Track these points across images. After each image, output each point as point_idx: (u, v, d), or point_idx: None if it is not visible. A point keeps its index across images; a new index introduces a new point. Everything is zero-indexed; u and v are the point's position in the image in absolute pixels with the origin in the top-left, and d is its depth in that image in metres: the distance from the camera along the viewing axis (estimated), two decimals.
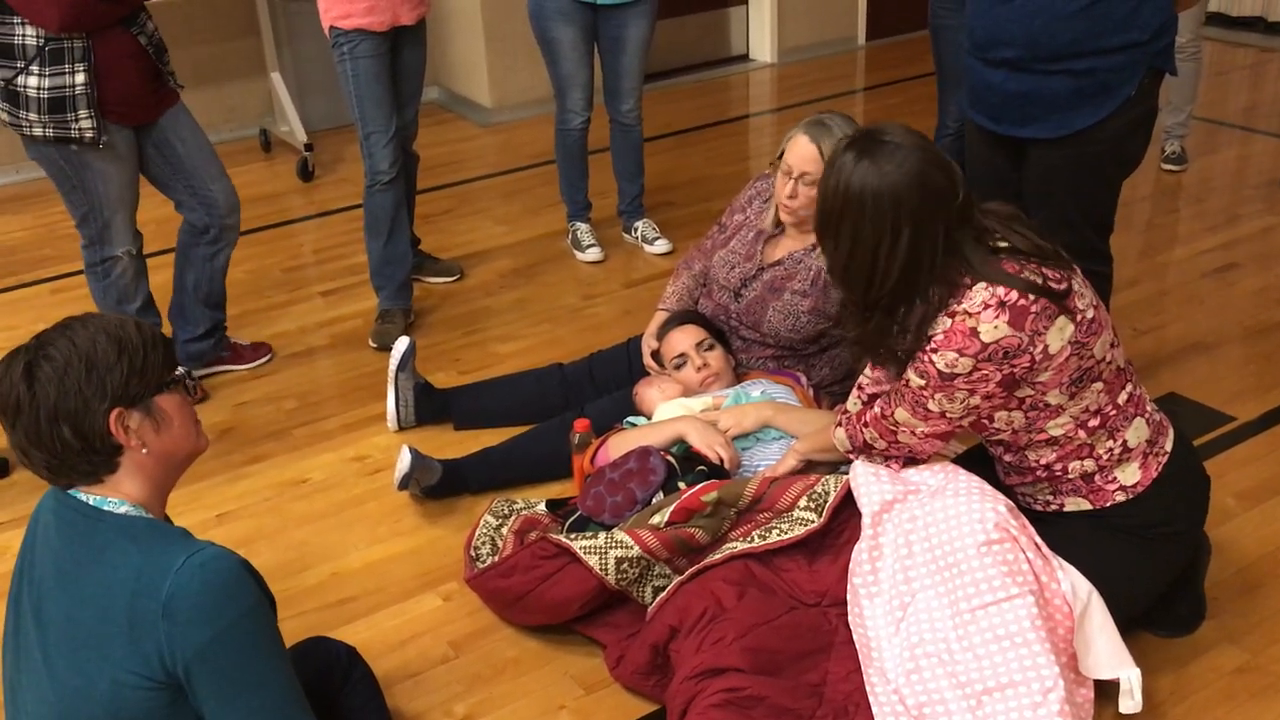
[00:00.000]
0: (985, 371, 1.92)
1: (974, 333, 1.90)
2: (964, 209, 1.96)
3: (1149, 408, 2.11)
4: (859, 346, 2.13)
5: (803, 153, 2.65)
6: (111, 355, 1.52)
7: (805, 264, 2.78)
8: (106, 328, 1.54)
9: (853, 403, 2.40)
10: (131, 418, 1.55)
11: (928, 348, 1.95)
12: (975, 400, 1.96)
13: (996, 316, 1.88)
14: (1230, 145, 4.89)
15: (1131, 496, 2.07)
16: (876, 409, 2.12)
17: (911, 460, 2.18)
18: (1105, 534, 2.09)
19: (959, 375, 1.93)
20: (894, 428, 2.09)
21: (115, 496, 1.56)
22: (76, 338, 1.52)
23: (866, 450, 2.18)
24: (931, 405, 2.00)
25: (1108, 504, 2.08)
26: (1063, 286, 1.92)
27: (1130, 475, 2.07)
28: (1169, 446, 2.10)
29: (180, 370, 1.64)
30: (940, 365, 1.94)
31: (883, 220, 1.91)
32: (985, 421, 2.04)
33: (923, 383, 1.98)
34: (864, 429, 2.15)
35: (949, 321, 1.93)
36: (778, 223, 2.83)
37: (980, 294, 1.90)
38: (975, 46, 2.59)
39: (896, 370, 2.09)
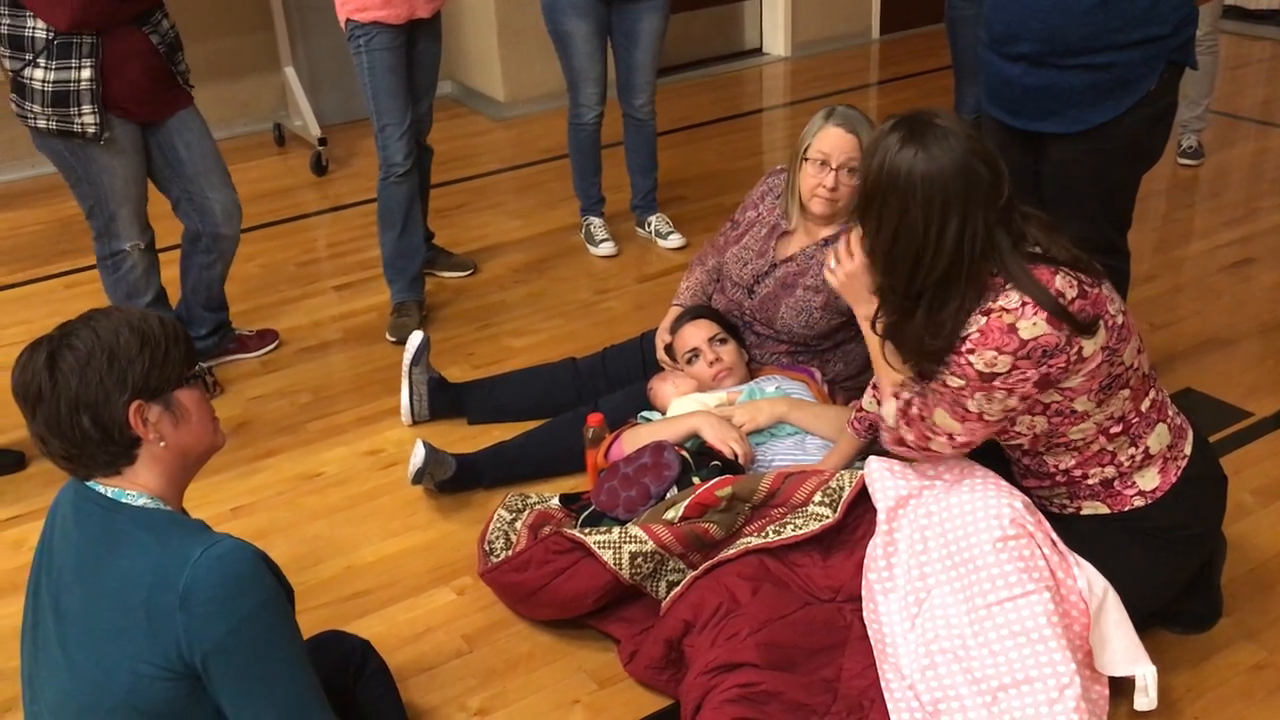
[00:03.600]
0: (1023, 371, 1.88)
1: (1012, 329, 1.86)
2: (1006, 209, 1.92)
3: (1170, 412, 2.09)
4: (889, 338, 2.08)
5: (840, 143, 2.64)
6: (134, 347, 1.53)
7: (818, 260, 2.77)
8: (130, 320, 1.55)
9: (868, 401, 2.39)
10: (151, 410, 1.55)
11: (963, 349, 1.91)
12: (1013, 402, 1.93)
13: (1035, 314, 1.86)
14: (1247, 139, 4.86)
15: (1150, 502, 2.06)
16: (915, 409, 2.06)
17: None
18: (1121, 535, 2.08)
19: (998, 375, 1.89)
20: (930, 433, 2.03)
21: (133, 489, 1.57)
22: (100, 329, 1.53)
23: (891, 435, 2.12)
24: (970, 405, 1.95)
25: (1125, 509, 2.06)
26: (1086, 316, 1.89)
27: (1149, 481, 2.05)
28: (1188, 450, 2.09)
29: (200, 366, 1.64)
30: (979, 365, 1.89)
31: (930, 205, 1.87)
32: (1006, 424, 2.02)
33: (961, 383, 1.94)
34: (904, 427, 2.08)
35: (983, 319, 1.89)
36: (804, 213, 2.81)
37: (1016, 293, 1.88)
38: (993, 40, 2.57)
39: (915, 367, 2.07)
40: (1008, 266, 1.90)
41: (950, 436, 2.01)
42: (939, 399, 1.99)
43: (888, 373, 2.15)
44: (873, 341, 2.19)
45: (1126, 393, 1.99)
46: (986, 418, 1.96)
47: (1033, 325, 1.86)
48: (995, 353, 1.88)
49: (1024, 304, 1.87)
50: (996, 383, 1.90)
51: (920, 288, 1.93)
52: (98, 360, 1.51)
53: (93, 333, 1.53)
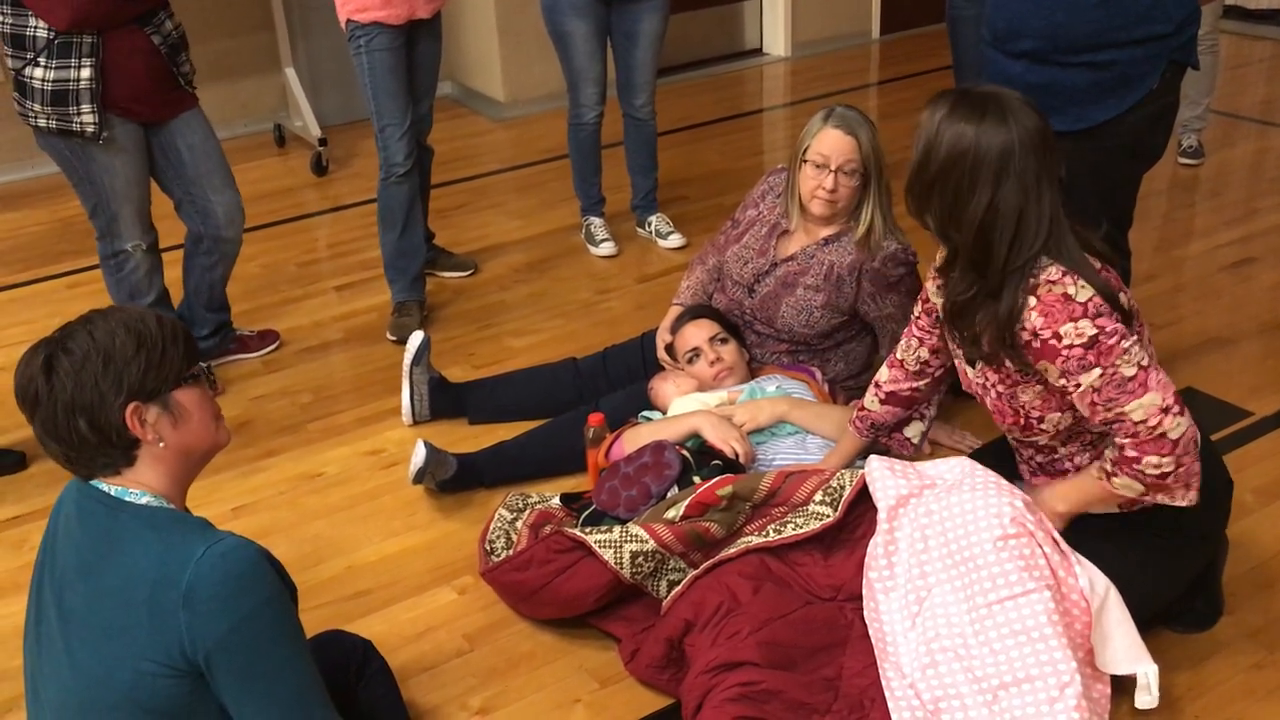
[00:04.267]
0: (1103, 324, 1.86)
1: (1068, 298, 1.86)
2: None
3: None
4: (960, 314, 2.00)
5: (839, 145, 2.65)
6: (130, 349, 1.53)
7: (818, 259, 2.77)
8: (127, 321, 1.55)
9: (870, 401, 2.39)
10: (149, 412, 1.55)
11: (1048, 340, 1.87)
12: (1131, 337, 1.86)
13: (1076, 280, 1.88)
14: (1248, 139, 4.86)
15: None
16: (1129, 450, 1.90)
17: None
18: (1126, 534, 2.07)
19: (1094, 336, 1.85)
20: (1152, 428, 1.87)
21: (136, 487, 1.57)
22: (96, 331, 1.53)
23: (1164, 486, 1.94)
24: (1125, 369, 1.86)
25: (1134, 507, 2.06)
26: (1129, 305, 1.91)
27: None
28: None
29: (202, 365, 1.64)
30: (1075, 340, 1.86)
31: (1026, 176, 1.85)
32: (1034, 423, 2.02)
33: (1097, 372, 1.87)
34: (1144, 466, 1.91)
35: (1034, 299, 1.89)
36: (804, 213, 2.82)
37: (1052, 267, 1.89)
38: (995, 38, 2.58)
39: (974, 347, 2.02)
40: (1069, 252, 1.90)
41: (1163, 410, 1.86)
42: (1114, 405, 1.88)
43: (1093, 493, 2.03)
44: (1082, 488, 2.05)
45: None
46: (1145, 365, 1.86)
47: (1080, 288, 1.87)
48: (1071, 323, 1.86)
49: (1064, 273, 1.88)
50: (1103, 341, 1.85)
51: (1018, 260, 1.89)
52: (93, 363, 1.51)
53: (89, 335, 1.53)
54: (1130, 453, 1.92)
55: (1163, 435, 1.88)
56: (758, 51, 6.51)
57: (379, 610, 2.46)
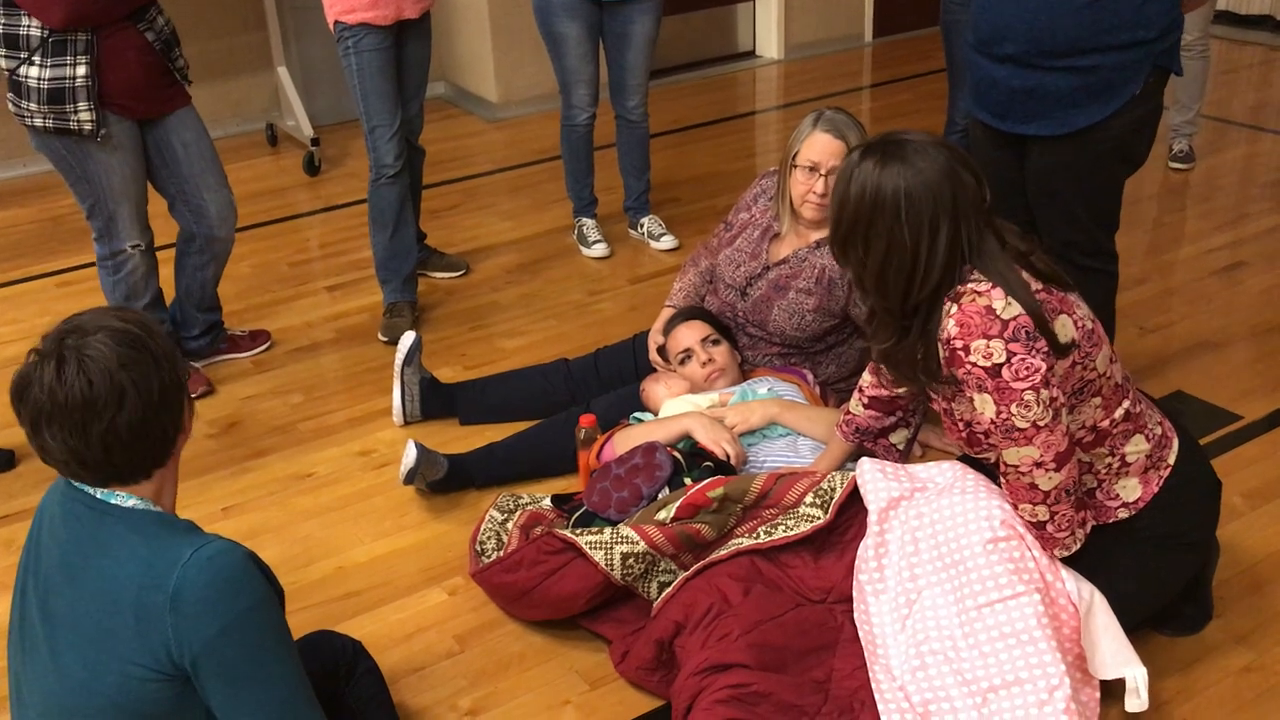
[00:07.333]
0: (1023, 358, 1.83)
1: (990, 310, 1.84)
2: (990, 212, 1.93)
3: (1149, 422, 2.07)
4: (887, 362, 2.06)
5: (829, 148, 2.66)
6: (174, 353, 1.55)
7: (810, 262, 2.77)
8: (147, 325, 1.56)
9: (854, 405, 2.40)
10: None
11: (956, 348, 1.86)
12: (1045, 393, 1.85)
13: (1005, 296, 1.85)
14: (1238, 144, 4.87)
15: (1134, 513, 2.05)
16: (1002, 483, 1.99)
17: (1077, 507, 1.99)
18: (1112, 542, 2.07)
19: (1003, 366, 1.83)
20: (1026, 480, 1.93)
21: (123, 490, 1.56)
22: (128, 341, 1.51)
23: (1049, 539, 1.98)
24: (1018, 421, 1.86)
25: (1111, 520, 2.06)
26: (1080, 327, 1.90)
27: (1131, 492, 2.05)
28: (1171, 460, 2.07)
29: (191, 364, 1.65)
30: (979, 360, 1.84)
31: (920, 218, 1.85)
32: (979, 437, 2.01)
33: (989, 401, 1.87)
34: (1021, 513, 1.98)
35: (955, 306, 1.87)
36: (795, 217, 2.82)
37: (982, 280, 1.88)
38: (979, 42, 2.58)
39: (916, 384, 2.04)
40: (998, 269, 1.89)
41: (1036, 464, 1.90)
42: (993, 447, 1.94)
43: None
44: None
45: (1098, 400, 1.98)
46: (1040, 423, 1.87)
47: (1007, 304, 1.85)
48: (985, 340, 1.84)
49: (993, 286, 1.86)
50: (1006, 376, 1.83)
51: (915, 302, 1.92)
52: (150, 362, 1.51)
53: (139, 346, 1.51)
54: (1009, 496, 1.99)
55: (1033, 485, 1.94)
56: (751, 54, 6.52)
57: (369, 611, 2.46)
